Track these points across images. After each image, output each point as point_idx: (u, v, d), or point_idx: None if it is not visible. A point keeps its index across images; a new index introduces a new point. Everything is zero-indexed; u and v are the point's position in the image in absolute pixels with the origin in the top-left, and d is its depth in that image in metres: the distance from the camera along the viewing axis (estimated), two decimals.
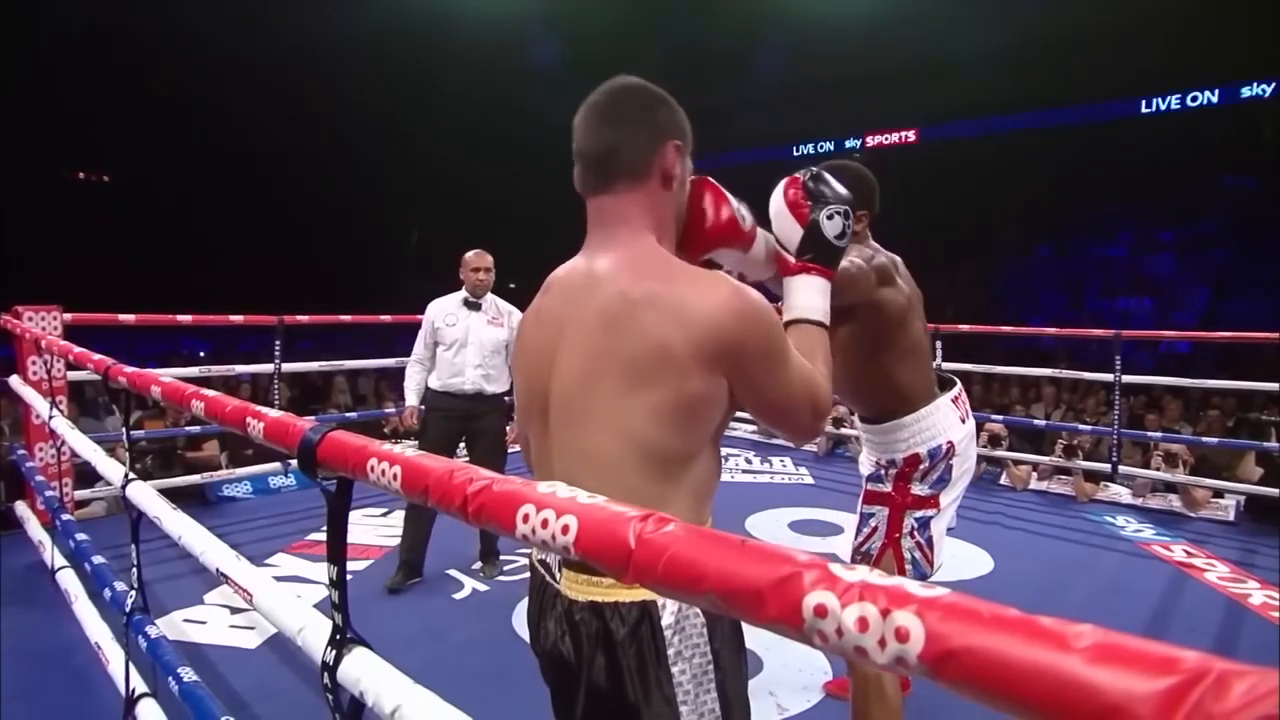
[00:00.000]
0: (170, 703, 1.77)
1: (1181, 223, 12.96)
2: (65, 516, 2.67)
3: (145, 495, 1.64)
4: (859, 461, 2.07)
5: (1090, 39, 13.29)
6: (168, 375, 1.80)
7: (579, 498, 0.60)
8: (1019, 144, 14.64)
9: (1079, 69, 13.73)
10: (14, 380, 3.51)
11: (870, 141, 16.43)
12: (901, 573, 1.84)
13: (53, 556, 2.86)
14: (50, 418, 2.62)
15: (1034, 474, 4.95)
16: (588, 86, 1.10)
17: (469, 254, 3.43)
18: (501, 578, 3.34)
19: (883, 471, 1.90)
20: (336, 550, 0.95)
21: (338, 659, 1.02)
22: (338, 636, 1.02)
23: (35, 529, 3.30)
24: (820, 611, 0.38)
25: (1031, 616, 0.33)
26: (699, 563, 0.46)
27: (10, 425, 4.51)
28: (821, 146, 16.99)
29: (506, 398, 3.43)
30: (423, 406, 3.48)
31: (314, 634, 1.09)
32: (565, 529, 0.58)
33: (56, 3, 11.56)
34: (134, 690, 1.84)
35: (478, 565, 3.42)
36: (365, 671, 0.98)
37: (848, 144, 16.62)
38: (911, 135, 16.10)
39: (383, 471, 0.78)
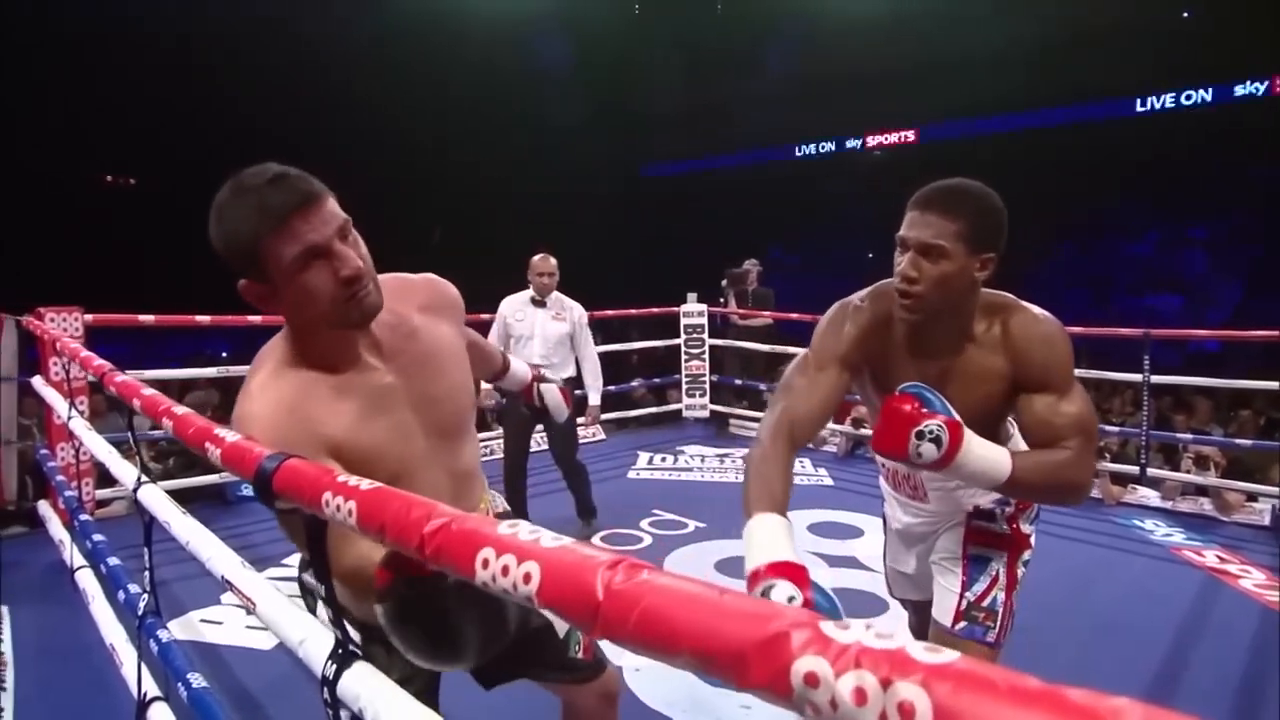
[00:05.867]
0: (183, 707, 1.77)
1: (1212, 218, 12.67)
2: (83, 517, 2.69)
3: (156, 499, 1.64)
4: (915, 505, 1.74)
5: (1092, 37, 13.09)
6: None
7: (543, 540, 0.55)
8: (1029, 142, 14.34)
9: (1081, 66, 13.48)
10: (36, 381, 3.55)
11: (871, 141, 16.19)
12: (1006, 631, 1.61)
13: (72, 556, 2.89)
14: (69, 418, 2.64)
15: None
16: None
17: (535, 258, 3.80)
18: None
19: (997, 509, 1.63)
20: (322, 571, 0.94)
21: (338, 674, 1.00)
22: (339, 651, 1.00)
23: (57, 528, 3.33)
24: (811, 680, 0.34)
25: (1056, 688, 0.29)
26: (674, 618, 0.42)
27: (37, 424, 4.57)
28: (823, 147, 16.78)
29: (577, 390, 3.88)
30: (501, 398, 4.10)
31: (315, 646, 1.06)
32: (527, 577, 0.53)
33: (83, 11, 11.73)
34: (146, 694, 1.84)
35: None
36: (365, 688, 0.96)
37: (849, 144, 16.41)
38: (911, 135, 15.84)
39: (338, 507, 0.75)
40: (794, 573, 1.18)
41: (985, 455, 1.34)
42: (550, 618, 1.35)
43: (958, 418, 1.34)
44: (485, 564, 0.58)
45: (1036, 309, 1.54)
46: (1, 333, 3.74)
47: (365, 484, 0.78)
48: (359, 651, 1.00)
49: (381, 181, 13.40)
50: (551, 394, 1.89)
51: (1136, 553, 3.78)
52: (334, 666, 1.00)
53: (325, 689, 1.01)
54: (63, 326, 3.56)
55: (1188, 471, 4.39)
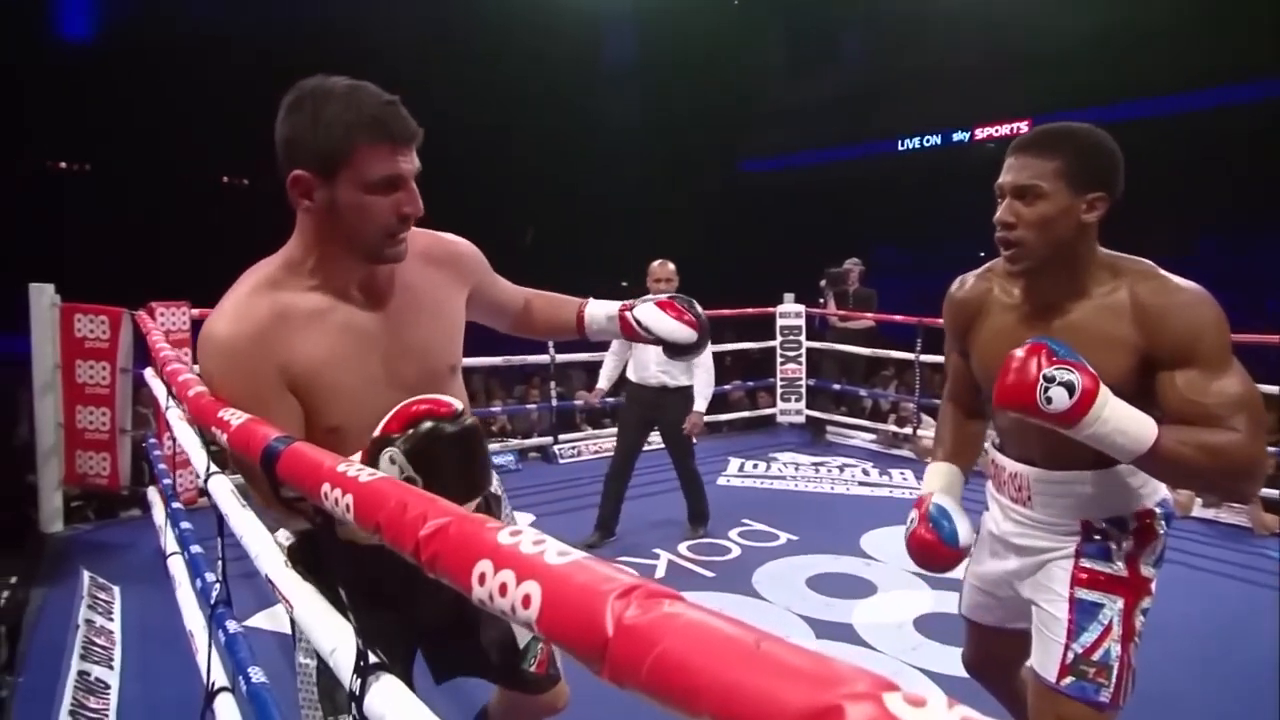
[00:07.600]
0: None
1: None
2: (175, 505, 2.77)
3: (221, 490, 1.62)
4: (1010, 526, 1.53)
5: (1235, 10, 11.83)
6: None
7: (547, 554, 0.46)
8: (1160, 130, 13.11)
9: (1225, 43, 12.18)
10: (147, 372, 3.72)
11: (979, 134, 15.24)
12: (1124, 690, 1.39)
13: (167, 542, 2.98)
14: (166, 409, 2.72)
15: (1198, 499, 4.36)
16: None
17: (654, 264, 3.86)
18: None
19: (1112, 544, 1.39)
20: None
21: (363, 689, 0.91)
22: (360, 664, 0.92)
23: (159, 514, 3.47)
24: None
25: None
26: (696, 669, 0.33)
27: (153, 414, 4.84)
28: (928, 141, 15.98)
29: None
30: (610, 398, 4.38)
31: (345, 656, 0.99)
32: (526, 600, 0.45)
33: (202, 25, 12.64)
34: (214, 683, 1.83)
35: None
36: (391, 706, 0.87)
37: (955, 137, 15.53)
38: (1024, 126, 14.79)
39: (335, 499, 0.72)
40: (920, 502, 1.55)
41: (1124, 415, 1.20)
42: (513, 627, 1.28)
43: (1093, 370, 1.20)
44: (482, 579, 0.52)
45: (1178, 277, 1.35)
46: (120, 327, 3.94)
47: (365, 475, 0.74)
48: (384, 663, 0.92)
49: (472, 180, 13.78)
50: (650, 315, 1.50)
51: None
52: (359, 681, 0.93)
53: (353, 706, 0.94)
54: (171, 321, 3.72)
55: None
